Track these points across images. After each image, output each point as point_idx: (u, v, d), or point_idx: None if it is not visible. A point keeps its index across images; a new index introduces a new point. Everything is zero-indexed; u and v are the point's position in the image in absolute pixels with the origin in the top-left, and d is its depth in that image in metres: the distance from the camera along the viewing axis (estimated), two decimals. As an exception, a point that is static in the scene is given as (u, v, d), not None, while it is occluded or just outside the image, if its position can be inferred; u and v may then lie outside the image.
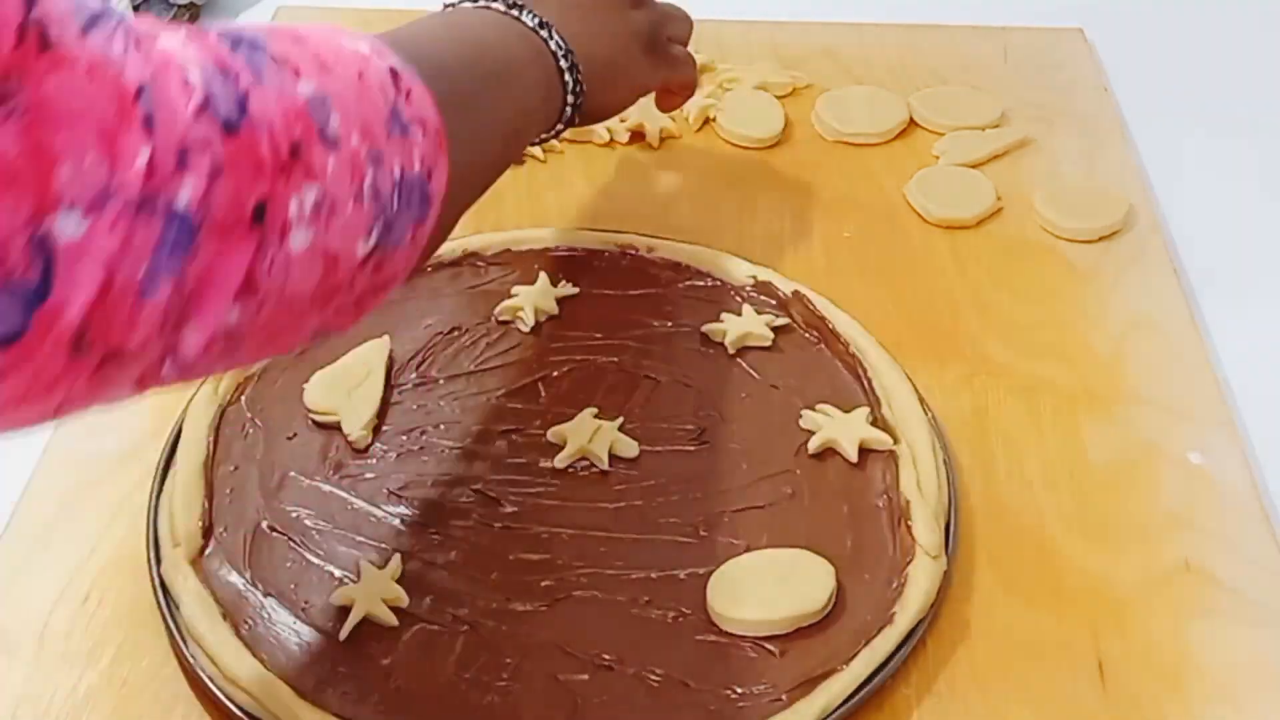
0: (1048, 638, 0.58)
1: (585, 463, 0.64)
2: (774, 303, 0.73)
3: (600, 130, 0.87)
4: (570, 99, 0.63)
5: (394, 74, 0.47)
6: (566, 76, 0.62)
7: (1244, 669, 0.57)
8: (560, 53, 0.62)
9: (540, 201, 0.83)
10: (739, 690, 0.55)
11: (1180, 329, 0.74)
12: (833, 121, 0.88)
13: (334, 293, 0.45)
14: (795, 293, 0.72)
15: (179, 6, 0.98)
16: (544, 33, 0.61)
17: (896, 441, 0.64)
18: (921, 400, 0.66)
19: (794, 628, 0.57)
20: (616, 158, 0.87)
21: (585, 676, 0.56)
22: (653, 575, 0.59)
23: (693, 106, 0.89)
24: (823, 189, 0.84)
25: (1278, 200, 0.85)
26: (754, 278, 0.74)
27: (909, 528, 0.60)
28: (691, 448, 0.65)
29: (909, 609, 0.57)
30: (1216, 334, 0.75)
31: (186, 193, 0.37)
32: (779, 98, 0.91)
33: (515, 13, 0.61)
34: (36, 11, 0.34)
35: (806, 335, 0.71)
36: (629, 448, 0.65)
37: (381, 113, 0.46)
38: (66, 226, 0.34)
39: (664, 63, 0.72)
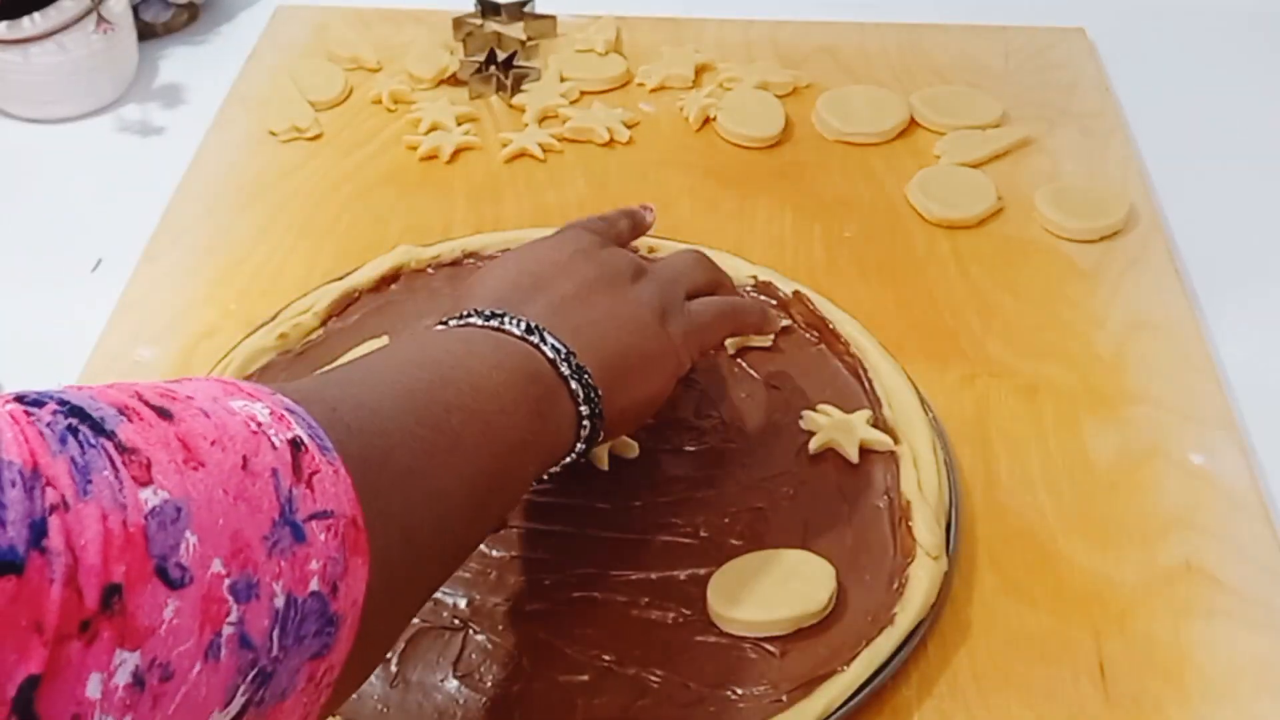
0: (1048, 638, 0.58)
1: (585, 463, 0.64)
2: (774, 303, 0.72)
3: (600, 130, 0.87)
4: (584, 410, 0.52)
5: (295, 450, 0.37)
6: (573, 384, 0.52)
7: (1244, 669, 0.57)
8: (559, 357, 0.51)
9: (540, 201, 0.83)
10: (739, 691, 0.55)
11: (1181, 329, 0.74)
12: (833, 121, 0.88)
13: None
14: (795, 293, 0.72)
15: (178, 6, 0.98)
16: (534, 338, 0.51)
17: (897, 442, 0.64)
18: (922, 401, 0.66)
19: (794, 628, 0.57)
20: (616, 158, 0.87)
21: (585, 676, 0.55)
22: (653, 575, 0.59)
23: (693, 106, 0.89)
24: (823, 189, 0.84)
25: (1278, 200, 0.85)
26: (754, 278, 0.74)
27: (910, 528, 0.60)
28: (691, 448, 0.65)
29: (909, 610, 0.57)
30: (1218, 334, 0.74)
31: None
32: (779, 97, 0.91)
33: (496, 323, 0.52)
34: None
35: (806, 335, 0.71)
36: (629, 448, 0.65)
37: (266, 518, 0.35)
38: None
39: (692, 330, 0.59)
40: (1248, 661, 0.58)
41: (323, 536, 0.36)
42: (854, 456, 0.64)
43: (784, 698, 0.54)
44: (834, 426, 0.65)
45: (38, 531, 0.29)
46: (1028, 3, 1.00)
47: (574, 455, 0.54)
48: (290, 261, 0.78)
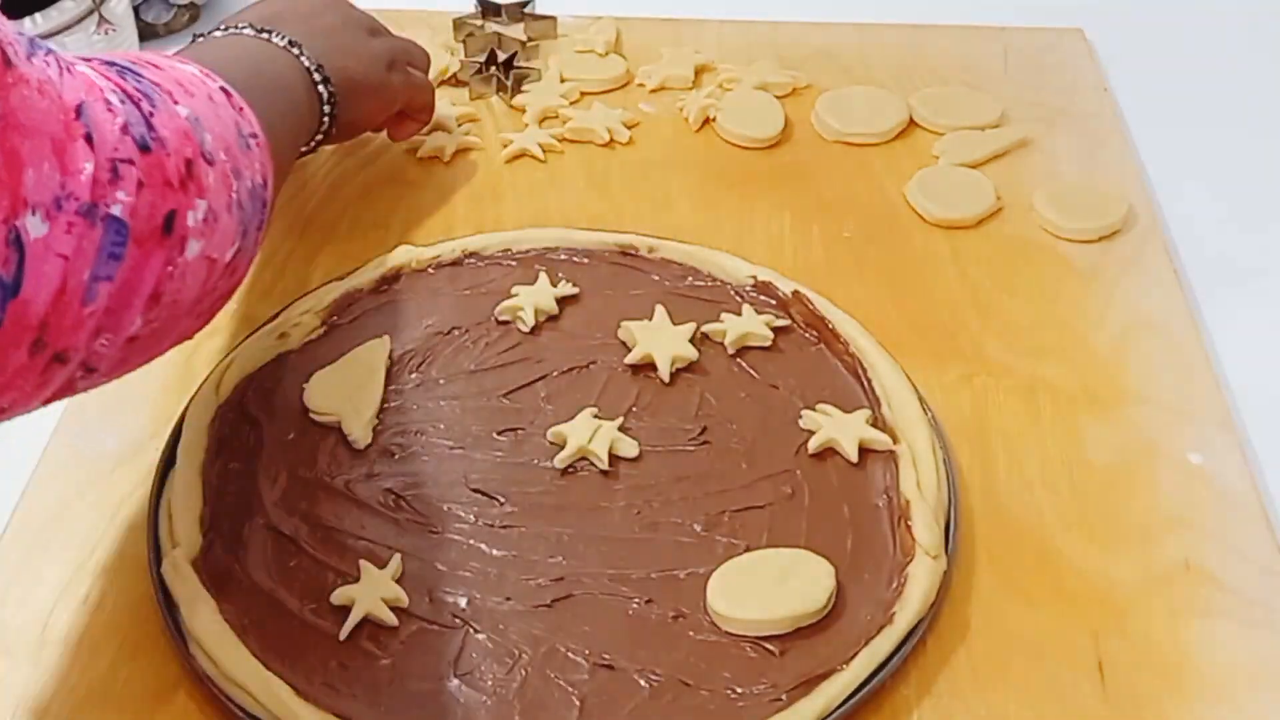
0: (1048, 638, 0.58)
1: (585, 463, 0.64)
2: (774, 303, 0.73)
3: (600, 130, 0.87)
4: (326, 109, 0.70)
5: (226, 93, 0.53)
6: (320, 89, 0.69)
7: (1244, 669, 0.57)
8: (312, 68, 0.68)
9: (540, 201, 0.83)
10: (739, 690, 0.55)
11: (1180, 329, 0.74)
12: (833, 121, 0.88)
13: (205, 297, 0.49)
14: (795, 293, 0.72)
15: (179, 7, 0.98)
16: (294, 50, 0.67)
17: (896, 441, 0.64)
18: (921, 400, 0.66)
19: (794, 628, 0.57)
20: (616, 158, 0.87)
21: (585, 676, 0.56)
22: (653, 575, 0.59)
23: (693, 107, 0.89)
24: (823, 189, 0.84)
25: (1278, 200, 0.85)
26: (754, 278, 0.74)
27: (909, 527, 0.60)
28: (691, 448, 0.65)
29: (909, 609, 0.57)
30: (1216, 334, 0.75)
31: (120, 203, 0.41)
32: (779, 98, 0.91)
33: (265, 35, 0.67)
34: (1, 34, 0.37)
35: (806, 335, 0.71)
36: (629, 448, 0.65)
37: (232, 130, 0.51)
38: (34, 226, 0.38)
39: (405, 84, 0.78)
40: (1246, 660, 0.58)
41: (257, 149, 0.53)
42: (853, 456, 0.64)
43: (784, 697, 0.54)
44: (833, 426, 0.65)
45: (150, 127, 0.44)
46: (1026, 4, 1.00)
47: (313, 143, 0.72)
48: (291, 261, 0.78)
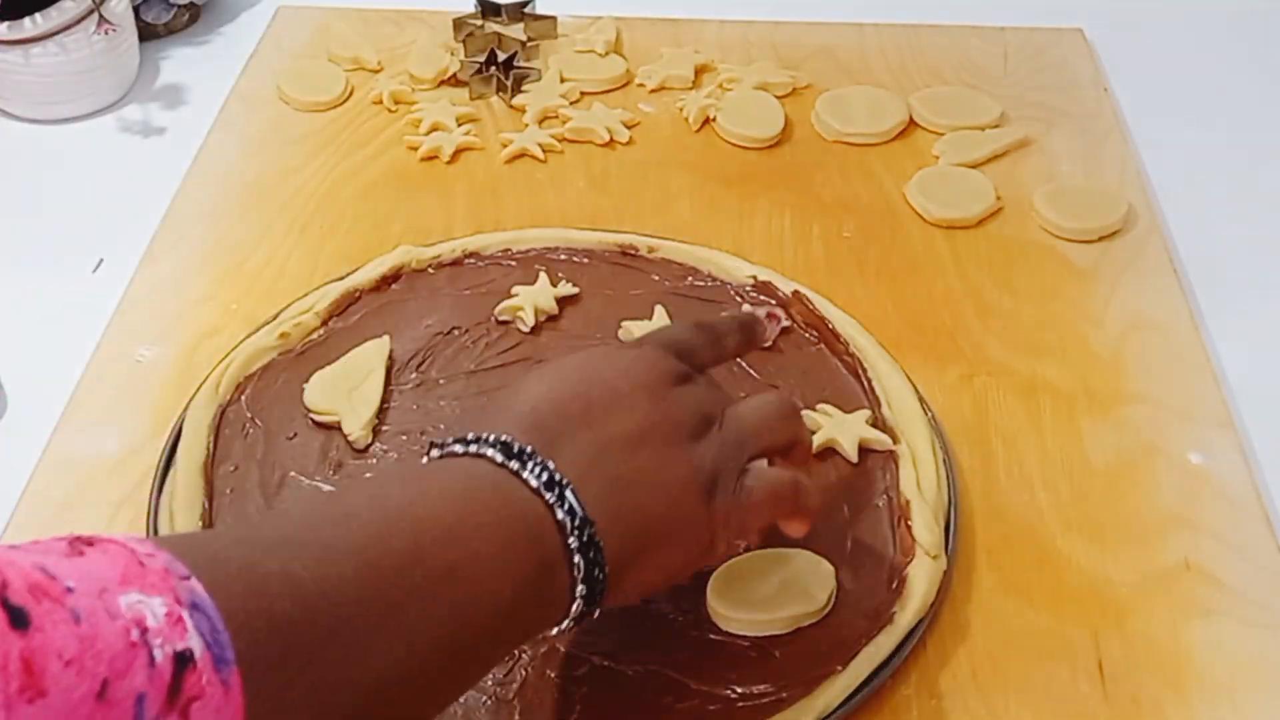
0: (1047, 637, 0.58)
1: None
2: (774, 303, 0.73)
3: (600, 130, 0.87)
4: (582, 590, 0.45)
5: (179, 666, 0.32)
6: (577, 558, 0.44)
7: (1244, 669, 0.57)
8: (572, 523, 0.44)
9: (540, 201, 0.83)
10: (739, 690, 0.55)
11: (1180, 329, 0.74)
12: (833, 121, 0.88)
13: None
14: (795, 293, 0.72)
15: (179, 7, 0.98)
16: (551, 495, 0.44)
17: (896, 441, 0.64)
18: (921, 400, 0.66)
19: (794, 627, 0.57)
20: (616, 158, 0.87)
21: (585, 675, 0.56)
22: (653, 575, 0.59)
23: (693, 106, 0.89)
24: (823, 189, 0.84)
25: (1278, 200, 0.85)
26: (754, 278, 0.74)
27: (909, 527, 0.60)
28: (691, 448, 0.65)
29: (909, 609, 0.57)
30: (1216, 334, 0.75)
31: None
32: (779, 98, 0.91)
33: (515, 464, 0.44)
34: None
35: (806, 335, 0.71)
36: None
37: None
38: None
39: (737, 507, 0.50)
40: (1246, 660, 0.58)
41: None
42: (853, 456, 0.64)
43: (784, 696, 0.54)
44: (834, 426, 0.65)
45: None
46: (1026, 3, 1.00)
47: (559, 629, 0.46)
48: (291, 261, 0.78)
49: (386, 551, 0.39)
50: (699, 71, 0.93)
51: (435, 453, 0.46)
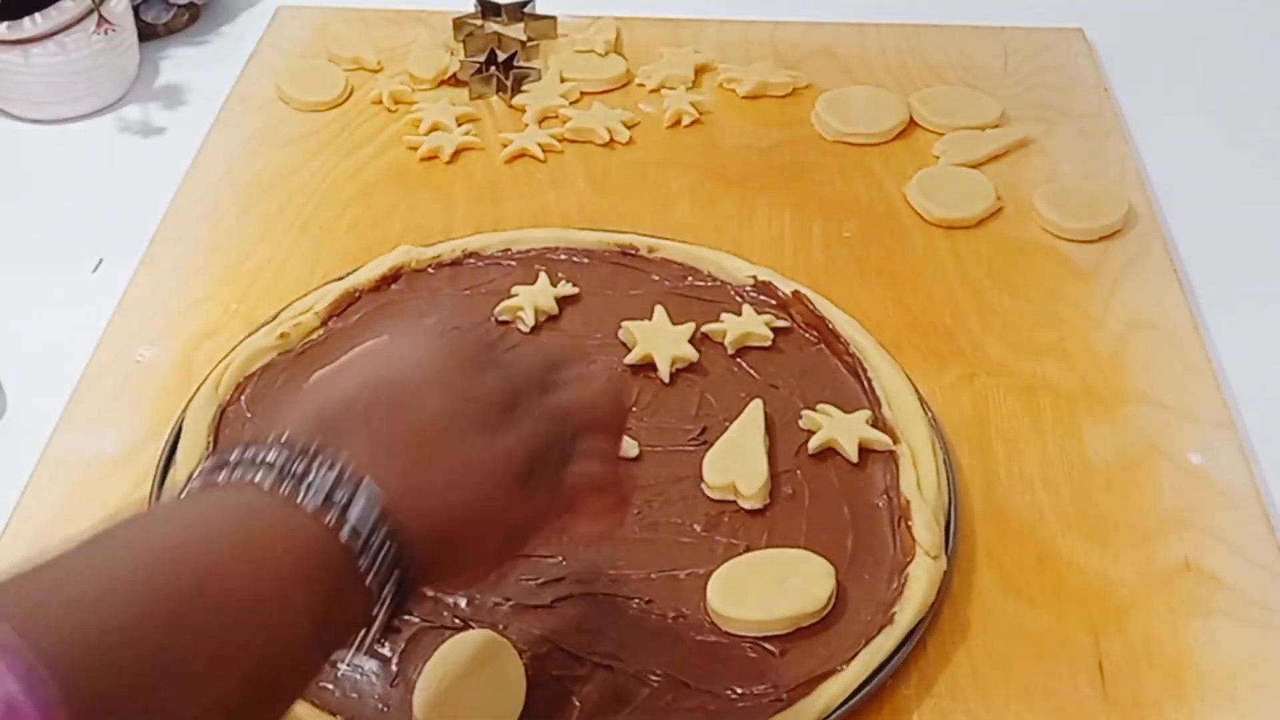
0: (1048, 638, 0.58)
1: (585, 463, 0.64)
2: (774, 303, 0.73)
3: (600, 130, 0.87)
4: (384, 603, 0.42)
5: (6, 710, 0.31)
6: (370, 577, 0.41)
7: (1244, 669, 0.57)
8: (361, 539, 0.41)
9: (540, 201, 0.83)
10: (739, 690, 0.55)
11: (1180, 329, 0.74)
12: (833, 121, 0.88)
13: None
14: (795, 293, 0.72)
15: (179, 7, 0.98)
16: (330, 516, 0.40)
17: (896, 442, 0.64)
18: (921, 400, 0.66)
19: (794, 628, 0.57)
20: (616, 158, 0.87)
21: (585, 675, 0.56)
22: (653, 575, 0.59)
23: (673, 106, 0.89)
24: (822, 189, 0.84)
25: (1278, 200, 0.85)
26: (754, 278, 0.74)
27: (909, 528, 0.60)
28: (692, 448, 0.65)
29: (909, 609, 0.57)
30: (1216, 334, 0.75)
31: None
32: (779, 98, 0.91)
33: (288, 487, 0.41)
34: None
35: (806, 335, 0.71)
36: (629, 447, 0.65)
37: None
38: None
39: (557, 493, 0.47)
40: (1246, 660, 0.58)
41: None
42: (853, 456, 0.64)
43: (784, 697, 0.54)
44: (834, 426, 0.65)
45: None
46: (1026, 3, 1.00)
47: (370, 638, 0.43)
48: (291, 261, 0.78)
49: (174, 595, 0.37)
50: (699, 71, 0.93)
51: (219, 475, 0.42)
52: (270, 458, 0.41)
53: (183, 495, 0.43)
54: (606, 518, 0.49)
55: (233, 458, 0.42)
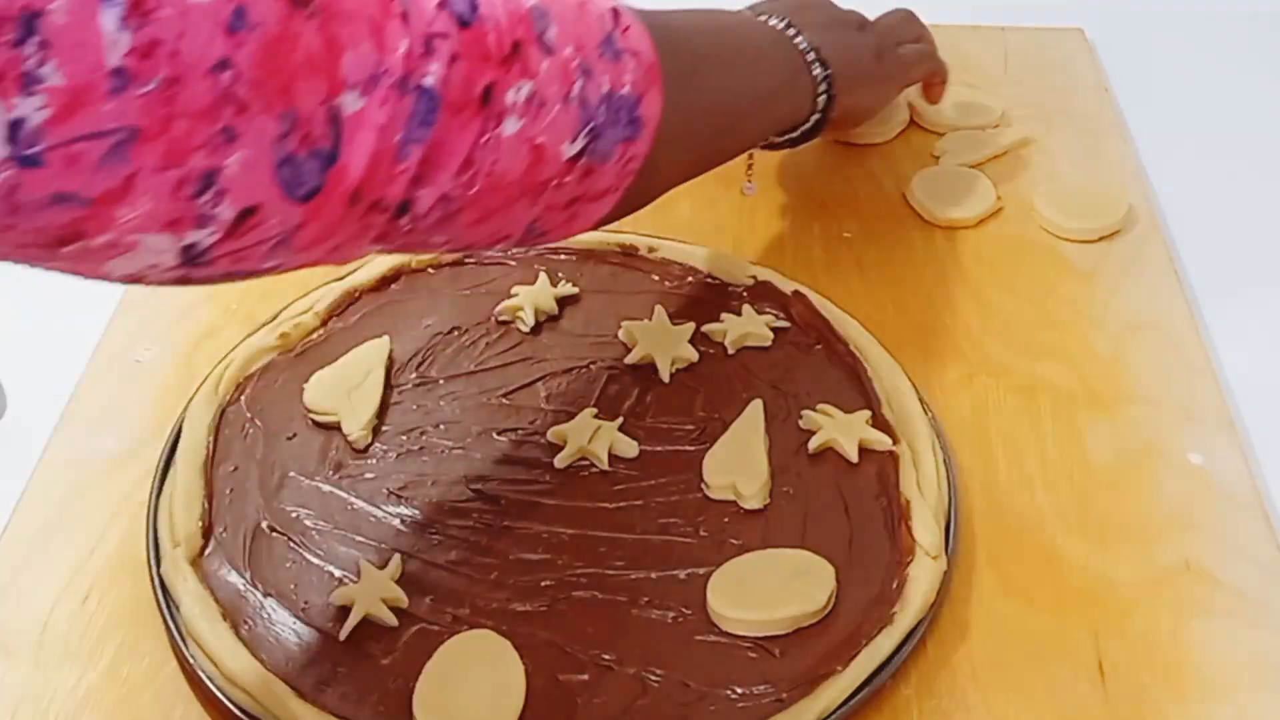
0: (1048, 638, 0.58)
1: (585, 463, 0.64)
2: (774, 303, 0.73)
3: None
4: (823, 88, 0.70)
5: (615, 11, 0.53)
6: (816, 69, 0.69)
7: (1244, 669, 0.57)
8: (807, 50, 0.69)
9: (540, 201, 0.83)
10: (739, 690, 0.55)
11: (1180, 329, 0.74)
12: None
13: (541, 188, 0.50)
14: (795, 293, 0.72)
15: None
16: (790, 32, 0.68)
17: (896, 442, 0.64)
18: (921, 400, 0.66)
19: (794, 628, 0.57)
20: (616, 158, 0.87)
21: (585, 676, 0.56)
22: (653, 575, 0.59)
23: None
24: (823, 189, 0.84)
25: (1278, 200, 0.85)
26: (754, 278, 0.74)
27: (909, 528, 0.60)
28: (691, 448, 0.65)
29: (909, 609, 0.57)
30: (1216, 334, 0.75)
31: (432, 75, 0.43)
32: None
33: (763, 17, 0.68)
34: None
35: (806, 335, 0.71)
36: (629, 448, 0.65)
37: (596, 35, 0.51)
38: (350, 103, 0.41)
39: (899, 67, 0.79)
40: (1246, 660, 0.58)
41: (632, 63, 0.52)
42: (854, 456, 0.64)
43: (784, 697, 0.54)
44: (834, 426, 0.65)
45: (472, 4, 0.45)
46: (1026, 3, 1.00)
47: (807, 125, 0.72)
48: (291, 262, 0.78)
49: (735, 34, 0.67)
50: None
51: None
52: (774, 23, 0.69)
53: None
54: (936, 86, 0.84)
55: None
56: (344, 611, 0.57)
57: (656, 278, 0.75)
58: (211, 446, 0.64)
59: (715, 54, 0.62)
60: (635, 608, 0.58)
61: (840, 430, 0.65)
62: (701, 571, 0.59)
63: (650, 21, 0.55)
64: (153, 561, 0.59)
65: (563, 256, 0.76)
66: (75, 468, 0.66)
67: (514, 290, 0.73)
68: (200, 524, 0.60)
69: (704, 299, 0.73)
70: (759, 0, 0.73)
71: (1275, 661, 0.58)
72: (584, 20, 0.50)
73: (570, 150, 0.50)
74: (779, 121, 0.71)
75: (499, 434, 0.66)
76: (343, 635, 0.57)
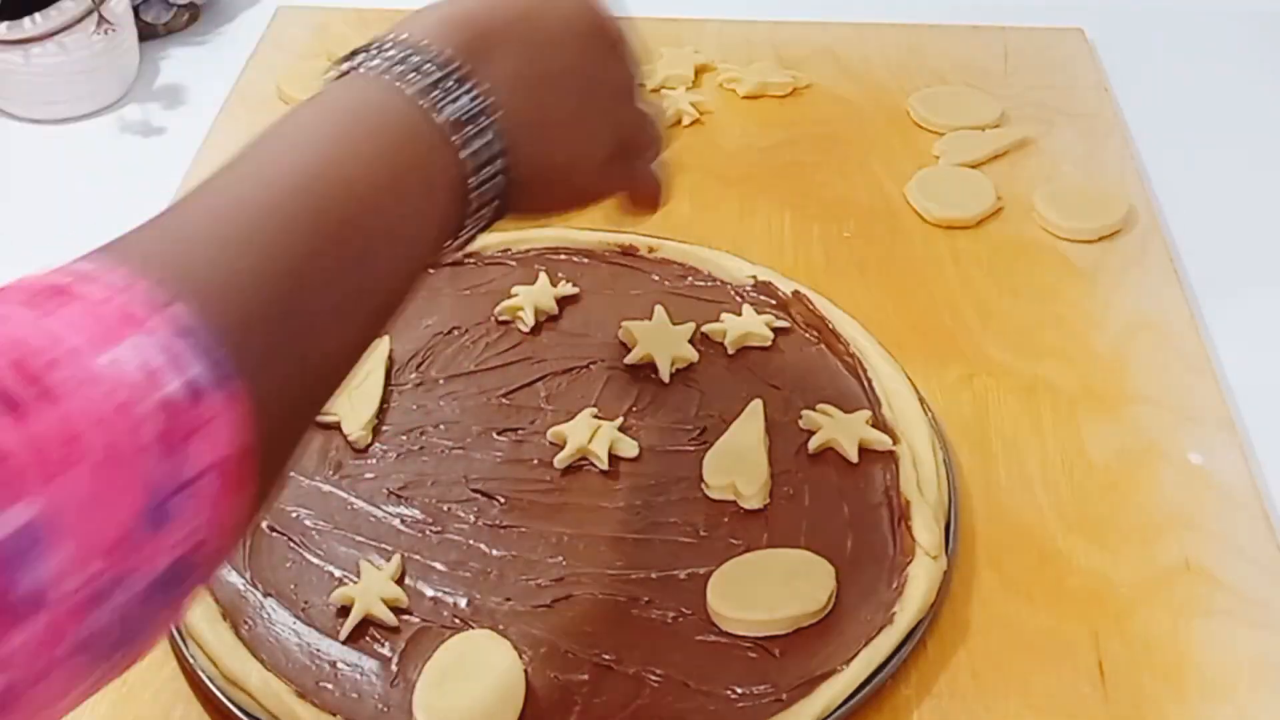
0: (1048, 638, 0.58)
1: (585, 463, 0.64)
2: (774, 303, 0.73)
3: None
4: (485, 209, 0.46)
5: (184, 399, 0.32)
6: (476, 193, 0.45)
7: (1244, 669, 0.57)
8: (479, 162, 0.44)
9: (540, 201, 0.83)
10: (739, 690, 0.55)
11: (1180, 329, 0.74)
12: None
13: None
14: (795, 293, 0.72)
15: (179, 7, 0.98)
16: (458, 134, 0.43)
17: (896, 442, 0.64)
18: (921, 400, 0.66)
19: (794, 628, 0.57)
20: (616, 158, 0.87)
21: (585, 675, 0.56)
22: (653, 575, 0.59)
23: (672, 108, 0.89)
24: (823, 189, 0.84)
25: (1278, 201, 0.85)
26: (754, 278, 0.74)
27: (909, 528, 0.60)
28: (691, 448, 0.65)
29: (909, 609, 0.57)
30: (1216, 334, 0.75)
31: None
32: (779, 98, 0.91)
33: (438, 94, 0.43)
34: None
35: (806, 335, 0.71)
36: (629, 448, 0.65)
37: (136, 505, 0.31)
38: None
39: (623, 178, 0.55)
40: (1246, 660, 0.58)
41: (205, 488, 0.33)
42: (853, 456, 0.64)
43: (784, 697, 0.54)
44: (834, 426, 0.65)
45: None
46: (1027, 3, 1.00)
47: (458, 240, 0.46)
48: (291, 262, 0.78)
49: (327, 221, 0.40)
50: (699, 71, 0.93)
51: (358, 61, 0.44)
52: (416, 61, 0.43)
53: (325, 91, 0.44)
54: (645, 207, 0.57)
55: (377, 47, 0.44)
56: (344, 611, 0.57)
57: (656, 278, 0.75)
58: (211, 446, 0.64)
59: (339, 265, 0.40)
60: (635, 608, 0.58)
61: (840, 430, 0.65)
62: (701, 571, 0.59)
63: (240, 305, 0.36)
64: (153, 561, 0.59)
65: (563, 256, 0.76)
66: (75, 468, 0.65)
67: (514, 290, 0.73)
68: (200, 524, 0.60)
69: (704, 299, 0.73)
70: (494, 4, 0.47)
71: (1275, 661, 0.58)
72: (114, 491, 0.31)
73: (78, 691, 0.32)
74: (430, 253, 0.46)
75: (499, 434, 0.66)
76: (343, 635, 0.57)
